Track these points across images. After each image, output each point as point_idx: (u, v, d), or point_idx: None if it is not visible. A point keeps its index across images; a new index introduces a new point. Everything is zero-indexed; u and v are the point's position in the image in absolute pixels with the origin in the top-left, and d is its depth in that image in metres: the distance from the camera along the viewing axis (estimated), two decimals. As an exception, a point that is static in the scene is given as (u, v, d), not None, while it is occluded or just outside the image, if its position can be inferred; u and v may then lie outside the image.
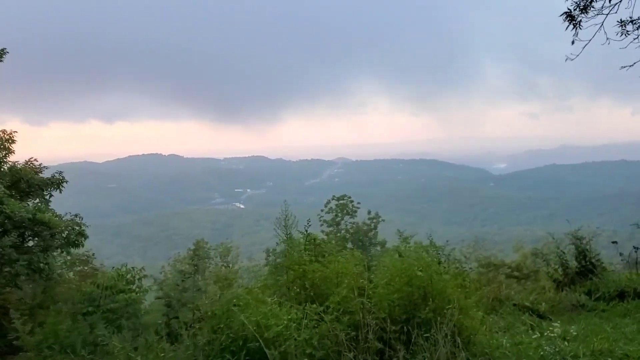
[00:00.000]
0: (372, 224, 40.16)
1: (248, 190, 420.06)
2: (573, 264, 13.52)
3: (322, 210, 40.72)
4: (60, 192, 18.57)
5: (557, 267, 13.76)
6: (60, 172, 18.83)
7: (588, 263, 13.34)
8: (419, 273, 7.38)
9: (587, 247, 13.70)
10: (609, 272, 13.25)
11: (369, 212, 40.75)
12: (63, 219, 15.80)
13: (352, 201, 40.41)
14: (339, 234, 39.84)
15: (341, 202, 40.23)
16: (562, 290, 12.70)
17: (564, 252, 13.83)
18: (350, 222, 40.30)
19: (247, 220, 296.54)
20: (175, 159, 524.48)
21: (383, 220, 41.70)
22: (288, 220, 9.35)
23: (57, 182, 18.30)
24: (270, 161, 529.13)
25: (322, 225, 40.50)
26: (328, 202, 40.58)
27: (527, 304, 11.32)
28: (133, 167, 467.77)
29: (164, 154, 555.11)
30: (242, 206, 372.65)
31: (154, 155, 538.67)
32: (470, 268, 16.49)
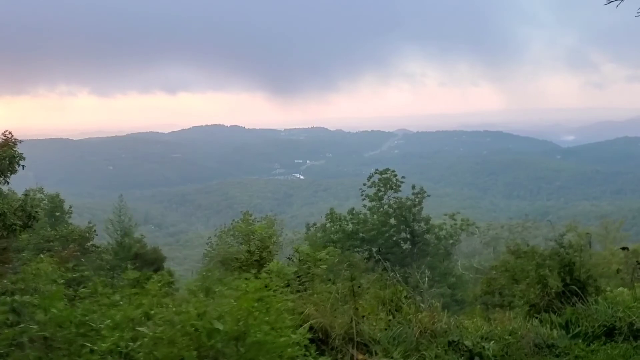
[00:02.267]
0: (417, 199, 39.57)
1: (308, 161, 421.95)
2: (554, 281, 9.81)
3: (364, 184, 40.47)
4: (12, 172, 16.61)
5: (535, 282, 10.16)
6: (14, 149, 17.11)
7: (575, 281, 9.66)
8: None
9: (577, 256, 10.05)
10: (606, 295, 9.64)
11: (414, 187, 40.13)
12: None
13: (395, 175, 39.89)
14: (381, 209, 39.60)
15: (384, 176, 39.78)
16: (533, 318, 9.22)
17: (547, 263, 10.36)
18: (393, 197, 39.87)
19: (307, 191, 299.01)
20: (237, 130, 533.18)
21: (428, 196, 41.03)
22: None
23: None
24: (330, 132, 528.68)
25: (364, 199, 40.32)
26: (371, 176, 40.24)
27: (467, 343, 7.75)
28: (197, 137, 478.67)
29: (226, 124, 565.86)
30: (301, 177, 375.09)
31: (216, 126, 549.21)
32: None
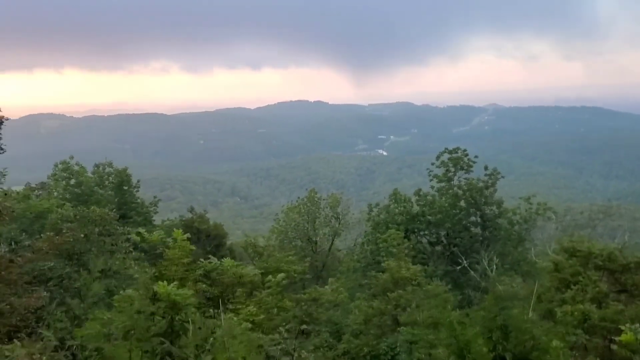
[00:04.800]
0: (490, 181, 36.57)
1: (392, 137, 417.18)
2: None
3: (432, 164, 37.88)
4: None
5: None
6: None
7: None
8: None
9: None
10: None
11: (486, 168, 37.11)
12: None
13: (466, 154, 36.99)
14: (450, 191, 36.99)
15: (454, 155, 37.02)
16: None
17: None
18: (464, 178, 37.08)
19: (390, 167, 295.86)
20: (321, 105, 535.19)
21: (503, 177, 37.86)
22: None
23: None
24: (415, 107, 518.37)
25: (431, 180, 37.84)
26: (440, 155, 37.58)
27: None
28: (282, 113, 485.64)
29: (310, 100, 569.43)
30: (385, 153, 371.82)
31: (301, 102, 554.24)
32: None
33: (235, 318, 7.39)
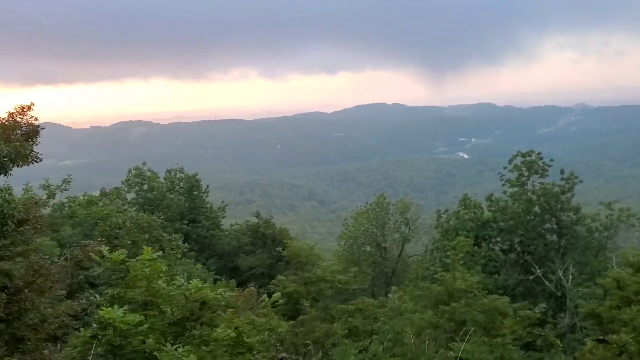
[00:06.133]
0: (566, 186, 34.29)
1: (473, 139, 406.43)
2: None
3: (504, 168, 36.06)
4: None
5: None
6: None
7: None
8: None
9: None
10: None
11: (562, 172, 34.84)
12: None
13: (541, 158, 34.90)
14: (524, 196, 35.03)
15: (528, 158, 35.02)
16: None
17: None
18: (539, 183, 35.01)
19: (471, 171, 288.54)
20: (398, 108, 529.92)
21: (581, 182, 35.44)
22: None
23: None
24: (498, 108, 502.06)
25: (503, 185, 36.02)
26: (512, 159, 35.68)
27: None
28: (359, 116, 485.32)
29: (388, 103, 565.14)
30: (465, 156, 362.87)
31: (378, 105, 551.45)
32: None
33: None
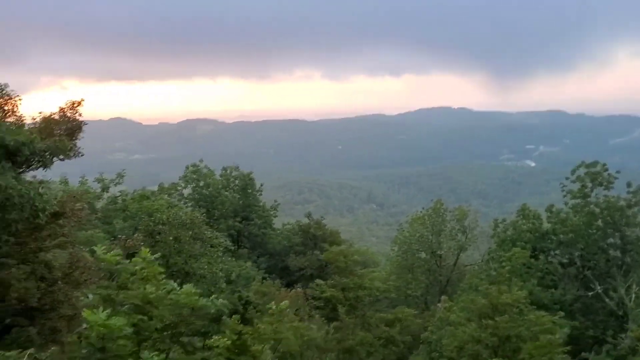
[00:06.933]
0: (633, 199, 32.49)
1: (541, 147, 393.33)
2: None
3: (566, 179, 34.56)
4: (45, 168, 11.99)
5: None
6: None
7: None
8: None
9: None
10: None
11: (629, 185, 33.02)
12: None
13: (606, 169, 33.22)
14: (586, 208, 33.43)
15: (592, 170, 33.40)
16: None
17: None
18: (603, 195, 33.33)
19: (538, 179, 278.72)
20: (464, 112, 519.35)
21: (649, 196, 33.43)
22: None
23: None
24: (568, 116, 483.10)
25: (565, 196, 34.52)
26: (575, 169, 34.14)
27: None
28: (422, 119, 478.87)
29: (453, 107, 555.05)
30: (532, 164, 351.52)
31: (443, 108, 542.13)
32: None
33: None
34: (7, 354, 7.32)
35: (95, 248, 7.84)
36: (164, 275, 7.50)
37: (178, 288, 7.26)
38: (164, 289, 7.17)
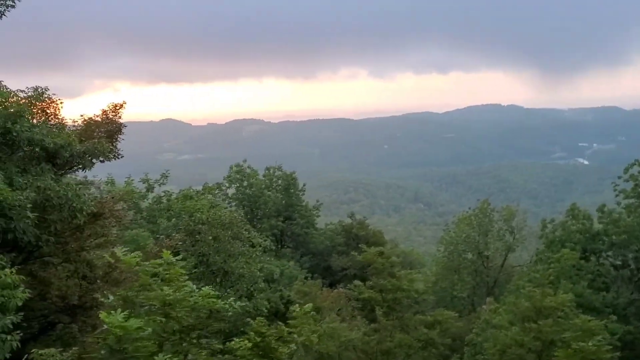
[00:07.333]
0: (691, 200, 31.01)
1: (595, 144, 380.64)
2: None
3: (619, 178, 33.28)
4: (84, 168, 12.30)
5: None
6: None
7: None
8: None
9: None
10: None
11: (687, 184, 31.52)
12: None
13: (662, 168, 31.82)
14: (640, 209, 32.11)
15: (646, 168, 32.08)
16: None
17: None
18: (658, 194, 31.96)
19: (591, 178, 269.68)
20: (514, 109, 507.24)
21: None
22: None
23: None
24: (624, 112, 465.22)
25: (617, 195, 33.24)
26: (628, 168, 32.84)
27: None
28: (471, 117, 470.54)
29: (503, 104, 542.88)
30: (586, 162, 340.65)
31: (493, 106, 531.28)
32: None
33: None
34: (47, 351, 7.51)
35: (115, 250, 7.98)
36: (186, 277, 7.59)
37: (197, 290, 7.32)
38: (183, 290, 7.25)
